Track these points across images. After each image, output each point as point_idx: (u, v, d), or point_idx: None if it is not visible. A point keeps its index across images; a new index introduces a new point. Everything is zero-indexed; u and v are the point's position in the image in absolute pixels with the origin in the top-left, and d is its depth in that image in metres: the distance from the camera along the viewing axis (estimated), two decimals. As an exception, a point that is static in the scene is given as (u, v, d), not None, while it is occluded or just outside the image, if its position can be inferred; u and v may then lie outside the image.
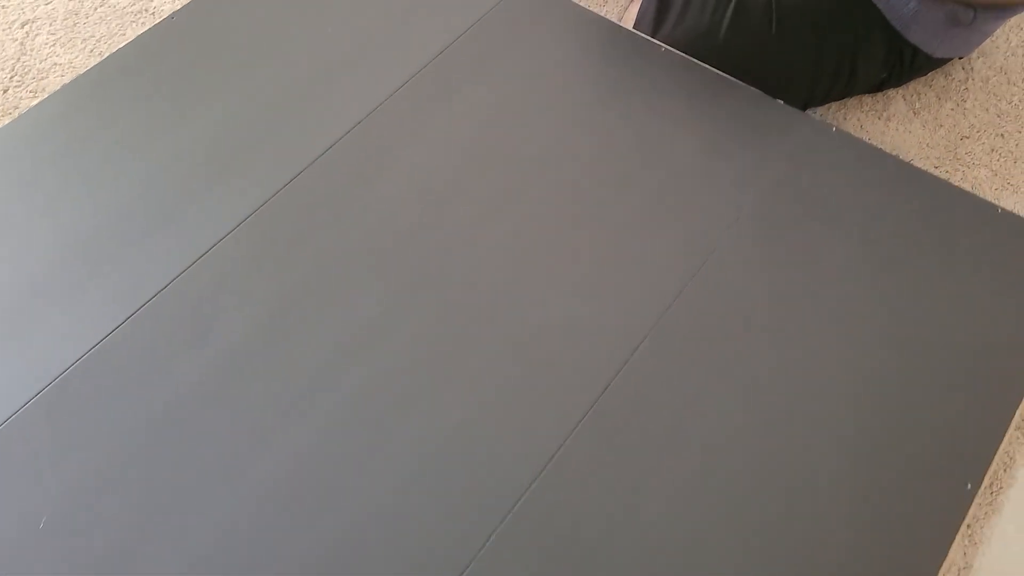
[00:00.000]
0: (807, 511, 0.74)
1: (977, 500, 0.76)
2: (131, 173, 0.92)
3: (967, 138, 1.11)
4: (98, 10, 1.19)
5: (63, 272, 0.85)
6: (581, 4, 1.11)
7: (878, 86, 1.11)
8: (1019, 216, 0.92)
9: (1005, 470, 0.83)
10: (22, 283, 0.84)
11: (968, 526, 0.79)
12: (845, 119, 1.12)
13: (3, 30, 1.17)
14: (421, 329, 0.82)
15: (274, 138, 0.95)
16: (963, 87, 1.16)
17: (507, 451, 0.76)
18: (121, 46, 1.05)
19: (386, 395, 0.78)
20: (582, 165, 0.94)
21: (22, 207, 0.89)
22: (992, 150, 1.10)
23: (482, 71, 1.01)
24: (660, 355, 0.81)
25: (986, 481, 0.77)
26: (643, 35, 1.05)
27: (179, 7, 1.15)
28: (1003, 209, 0.92)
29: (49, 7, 1.19)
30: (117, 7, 1.20)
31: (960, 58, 1.16)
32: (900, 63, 1.06)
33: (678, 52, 1.02)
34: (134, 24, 1.18)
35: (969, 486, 0.75)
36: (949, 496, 0.75)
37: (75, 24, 1.18)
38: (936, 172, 1.08)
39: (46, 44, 1.16)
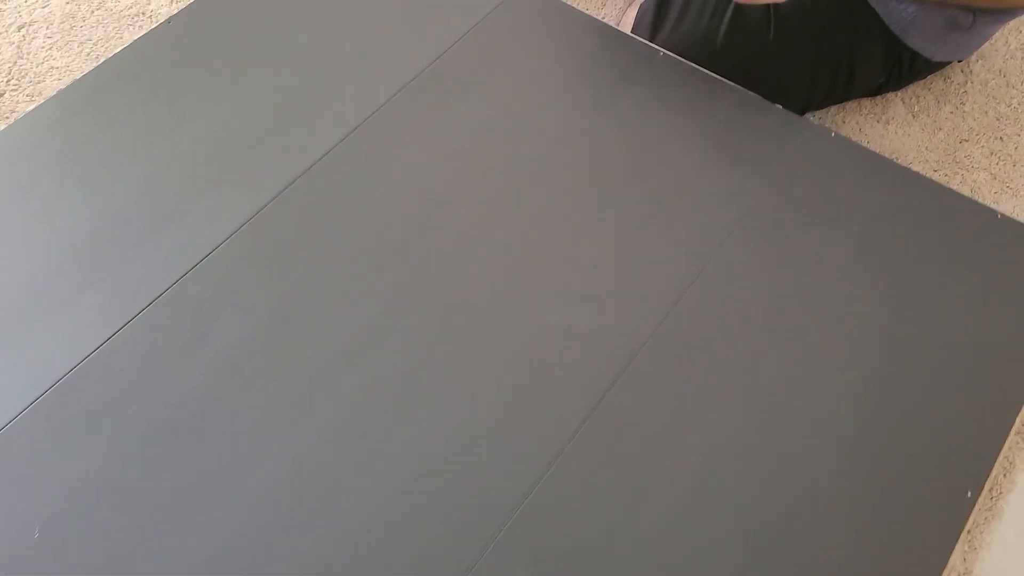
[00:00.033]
0: (807, 517, 0.74)
1: (977, 505, 0.76)
2: (128, 178, 0.91)
3: (966, 141, 1.11)
4: (95, 13, 1.19)
5: (60, 278, 0.84)
6: (579, 8, 1.10)
7: (876, 90, 1.11)
8: (1019, 221, 0.92)
9: (1005, 475, 0.83)
10: (19, 289, 0.83)
11: (968, 531, 0.78)
12: (844, 122, 1.12)
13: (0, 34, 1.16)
14: (420, 333, 0.82)
15: (272, 142, 0.94)
16: (962, 90, 1.16)
17: (508, 455, 0.76)
18: (118, 50, 1.05)
19: (385, 399, 0.78)
20: (580, 169, 0.93)
21: (19, 212, 0.89)
22: (991, 153, 1.10)
23: (480, 75, 1.01)
24: (660, 360, 0.81)
25: (986, 486, 0.77)
26: (641, 39, 1.05)
27: (176, 11, 1.15)
28: (1002, 215, 0.92)
29: (46, 10, 1.19)
30: (114, 10, 1.19)
31: (959, 61, 1.16)
32: (899, 67, 1.06)
33: (676, 56, 1.02)
34: (131, 27, 1.18)
35: (969, 494, 0.75)
36: (949, 503, 0.74)
37: (72, 27, 1.18)
38: (935, 175, 1.08)
39: (43, 48, 1.16)
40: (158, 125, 0.96)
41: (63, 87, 1.01)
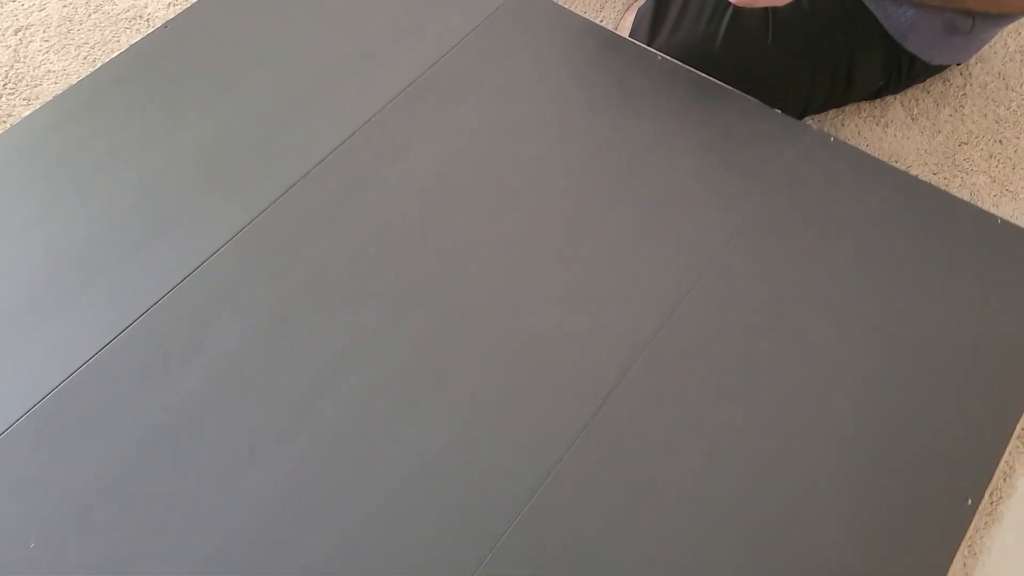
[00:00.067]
0: (807, 523, 0.74)
1: (977, 510, 0.76)
2: (125, 183, 0.91)
3: (965, 144, 1.11)
4: (92, 17, 1.19)
5: (57, 283, 0.84)
6: (577, 12, 1.10)
7: (875, 93, 1.10)
8: (1018, 226, 0.92)
9: (1005, 479, 0.83)
10: (15, 295, 0.83)
11: (968, 537, 0.78)
12: (843, 125, 1.12)
13: (-4, 37, 1.16)
14: (420, 337, 0.82)
15: (270, 147, 0.94)
16: (961, 93, 1.15)
17: (509, 459, 0.75)
18: (115, 54, 1.05)
19: (384, 403, 0.78)
20: (579, 173, 0.93)
21: (14, 218, 0.88)
22: (990, 156, 1.10)
23: (477, 79, 1.00)
24: (661, 363, 0.81)
25: (986, 491, 0.77)
26: (639, 44, 1.05)
27: (173, 15, 1.15)
28: (1002, 219, 0.91)
29: (43, 13, 1.19)
30: (111, 14, 1.19)
31: (958, 64, 1.15)
32: (898, 71, 1.05)
33: (674, 61, 1.02)
34: (128, 31, 1.18)
35: (970, 501, 0.75)
36: (950, 511, 0.74)
37: (69, 31, 1.17)
38: (934, 179, 1.07)
39: (40, 51, 1.15)
40: (155, 130, 0.95)
41: (60, 91, 1.01)
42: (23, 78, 1.12)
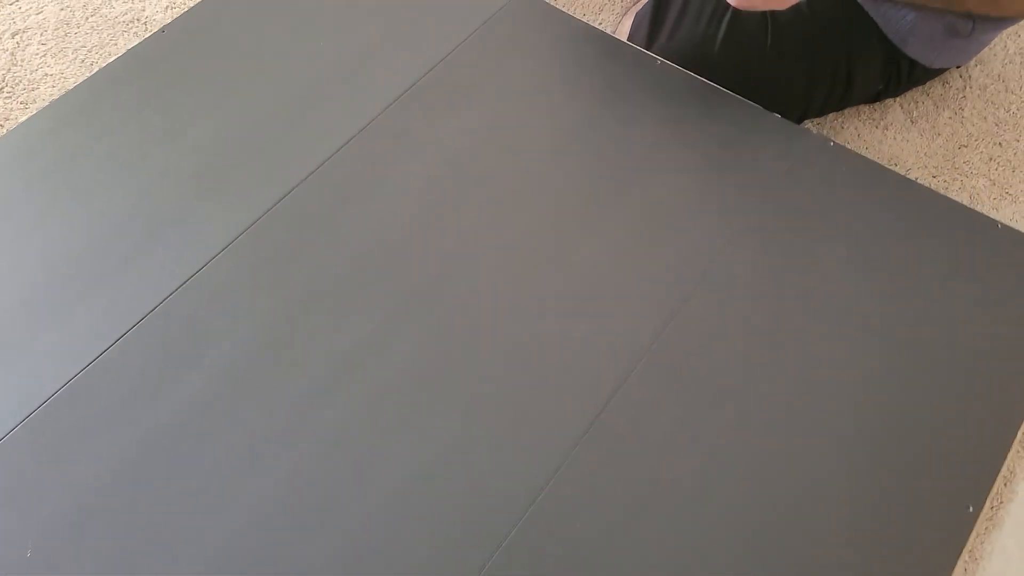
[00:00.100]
0: (808, 530, 0.73)
1: (978, 517, 0.76)
2: (122, 189, 0.91)
3: (965, 147, 1.11)
4: (89, 20, 1.19)
5: (53, 291, 0.84)
6: (576, 16, 1.10)
7: (875, 97, 1.10)
8: (1019, 231, 0.91)
9: (1006, 484, 0.83)
10: (10, 302, 0.83)
11: (969, 542, 0.78)
12: (842, 128, 1.12)
13: (-7, 41, 1.16)
14: (419, 343, 0.81)
15: (269, 152, 0.94)
16: (961, 95, 1.15)
17: (509, 466, 0.75)
18: (112, 57, 1.04)
19: (384, 410, 0.78)
20: (578, 178, 0.93)
21: (10, 224, 0.88)
22: (990, 159, 1.09)
23: (476, 85, 1.00)
24: (661, 369, 0.81)
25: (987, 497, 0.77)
26: (637, 47, 1.04)
27: (171, 19, 1.14)
28: (1003, 224, 0.91)
29: (40, 17, 1.19)
30: (109, 17, 1.19)
31: (957, 67, 1.15)
32: (897, 74, 1.05)
33: (673, 65, 1.02)
34: (126, 34, 1.17)
35: (971, 508, 0.75)
36: (951, 519, 0.74)
37: (66, 34, 1.17)
38: (934, 182, 1.07)
39: (37, 54, 1.15)
40: (153, 135, 0.95)
41: (57, 94, 1.00)
42: (20, 81, 1.12)
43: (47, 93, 1.11)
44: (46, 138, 0.94)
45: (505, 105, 0.98)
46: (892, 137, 1.11)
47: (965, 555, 0.77)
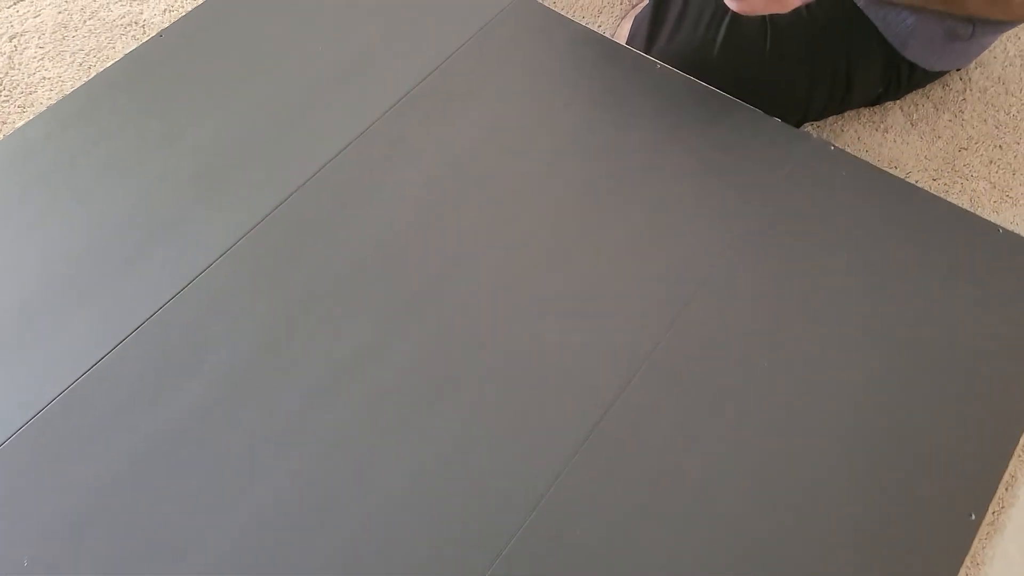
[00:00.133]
0: (809, 538, 0.73)
1: (980, 525, 0.75)
2: (120, 195, 0.90)
3: (965, 150, 1.10)
4: (87, 23, 1.18)
5: (50, 298, 0.83)
6: (575, 19, 1.10)
7: (875, 100, 1.10)
8: (1021, 236, 0.91)
9: (1007, 489, 0.82)
10: (7, 309, 0.82)
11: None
12: (842, 130, 1.12)
13: (-10, 44, 1.15)
14: (417, 351, 0.81)
15: (266, 157, 0.93)
16: (961, 98, 1.15)
17: (509, 474, 0.75)
18: (110, 61, 1.04)
19: (383, 418, 0.78)
20: (577, 184, 0.93)
21: (8, 230, 0.88)
22: (991, 162, 1.09)
23: (474, 89, 1.00)
24: (662, 376, 0.80)
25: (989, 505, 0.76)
26: (637, 51, 1.04)
27: (169, 22, 1.14)
28: (1004, 229, 0.91)
29: (37, 20, 1.18)
30: (107, 20, 1.18)
31: (957, 69, 1.15)
32: (897, 78, 1.05)
33: (672, 69, 1.01)
34: (124, 37, 1.17)
35: (973, 516, 0.74)
36: (952, 527, 0.74)
37: (64, 37, 1.17)
38: (934, 184, 1.07)
39: (34, 58, 1.15)
40: (150, 140, 0.95)
41: (55, 98, 1.00)
42: (18, 85, 1.12)
43: (45, 96, 1.11)
44: (44, 142, 0.94)
45: (504, 108, 0.98)
46: (892, 140, 1.11)
47: (967, 561, 0.77)
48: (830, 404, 0.80)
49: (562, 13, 1.09)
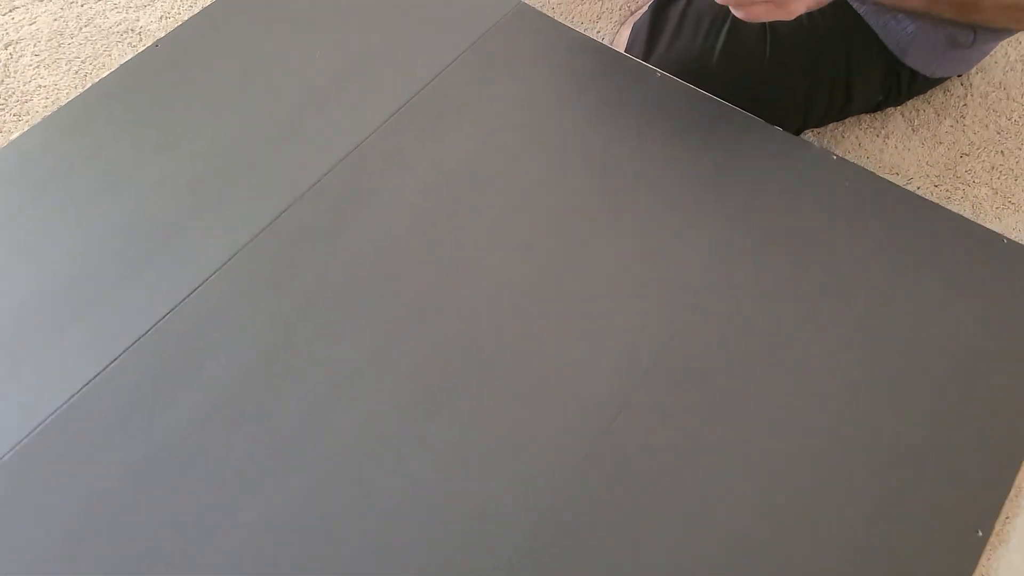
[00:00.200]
0: (812, 553, 0.73)
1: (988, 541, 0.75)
2: (116, 206, 0.90)
3: (967, 155, 1.10)
4: (83, 30, 1.18)
5: (45, 312, 0.83)
6: (573, 26, 1.09)
7: (875, 107, 1.09)
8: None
9: (1013, 498, 0.82)
10: (3, 324, 0.82)
11: (976, 560, 0.78)
12: (843, 137, 1.11)
13: (-14, 53, 1.15)
14: (415, 366, 0.81)
15: (264, 168, 0.93)
16: (962, 103, 1.14)
17: (508, 491, 0.74)
18: (106, 68, 1.03)
19: (380, 433, 0.77)
20: (575, 194, 0.92)
21: (3, 242, 0.87)
22: (992, 168, 1.09)
23: (473, 99, 0.99)
24: (663, 389, 0.80)
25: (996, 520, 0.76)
26: (636, 59, 1.03)
27: (165, 29, 1.13)
28: (1008, 239, 0.90)
29: (33, 27, 1.18)
30: (103, 27, 1.18)
31: (958, 75, 1.14)
32: (897, 85, 1.04)
33: (671, 77, 1.00)
34: (120, 44, 1.16)
35: (980, 533, 0.74)
36: (959, 544, 0.73)
37: (60, 45, 1.16)
38: (936, 191, 1.06)
39: (30, 66, 1.14)
40: (147, 150, 0.94)
41: (51, 106, 0.99)
42: (13, 93, 1.11)
43: (40, 105, 1.10)
44: (40, 153, 0.93)
45: (503, 117, 0.98)
46: (893, 146, 1.10)
47: (974, 572, 0.77)
48: (832, 417, 0.79)
49: (560, 20, 1.08)
